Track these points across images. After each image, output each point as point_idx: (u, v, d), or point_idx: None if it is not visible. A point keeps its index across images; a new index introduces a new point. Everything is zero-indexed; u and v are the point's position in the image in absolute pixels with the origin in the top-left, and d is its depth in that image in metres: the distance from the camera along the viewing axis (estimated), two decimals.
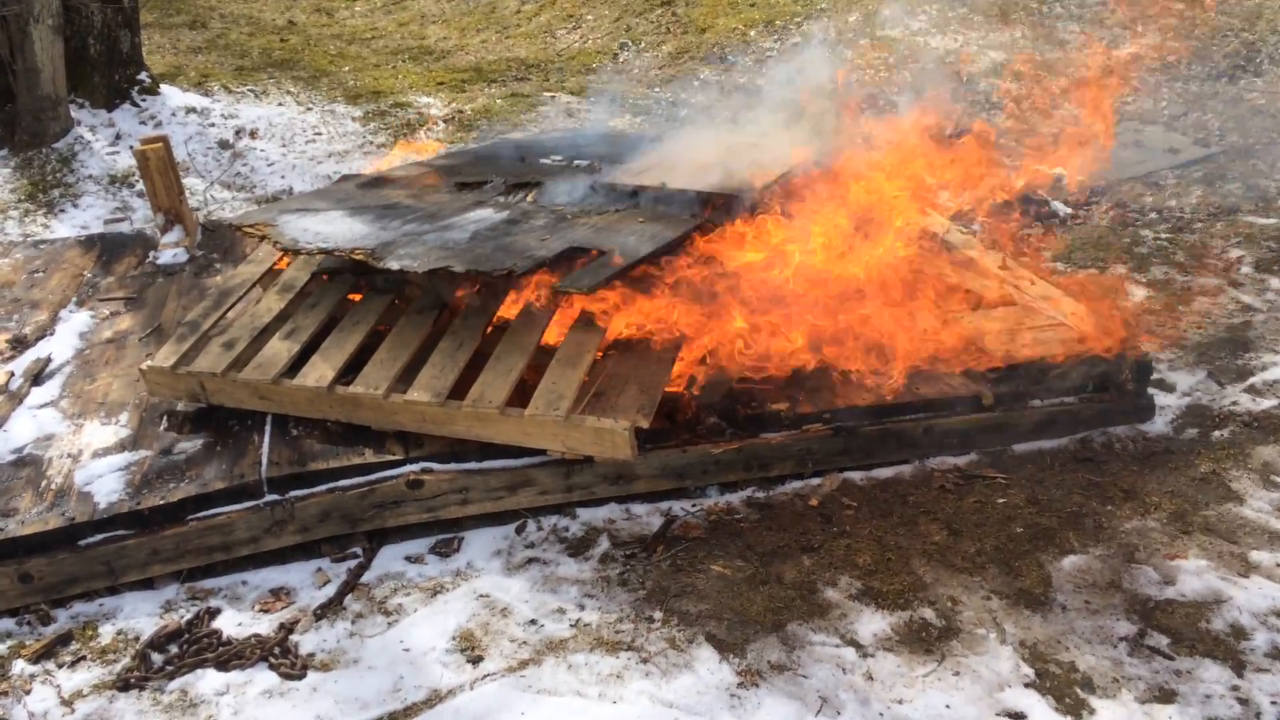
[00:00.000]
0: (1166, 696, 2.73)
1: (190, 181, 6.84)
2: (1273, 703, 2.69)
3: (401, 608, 3.15)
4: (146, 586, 3.28)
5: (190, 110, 7.99)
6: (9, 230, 6.23)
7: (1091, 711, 2.69)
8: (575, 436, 3.30)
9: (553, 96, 8.69)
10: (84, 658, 3.01)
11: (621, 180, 4.25)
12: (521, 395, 3.40)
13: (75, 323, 4.59)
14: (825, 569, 3.24)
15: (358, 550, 3.40)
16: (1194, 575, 3.14)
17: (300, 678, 2.88)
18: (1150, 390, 3.95)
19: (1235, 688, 2.75)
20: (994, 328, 3.98)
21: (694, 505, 3.56)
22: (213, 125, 7.87)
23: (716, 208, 3.94)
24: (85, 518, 3.23)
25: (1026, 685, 2.78)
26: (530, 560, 3.33)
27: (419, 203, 4.29)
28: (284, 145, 7.68)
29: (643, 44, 9.95)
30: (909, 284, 4.00)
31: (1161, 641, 2.91)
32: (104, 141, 7.37)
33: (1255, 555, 3.23)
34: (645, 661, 2.89)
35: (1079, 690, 2.76)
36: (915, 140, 4.08)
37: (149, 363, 3.73)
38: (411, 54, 10.16)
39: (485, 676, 2.85)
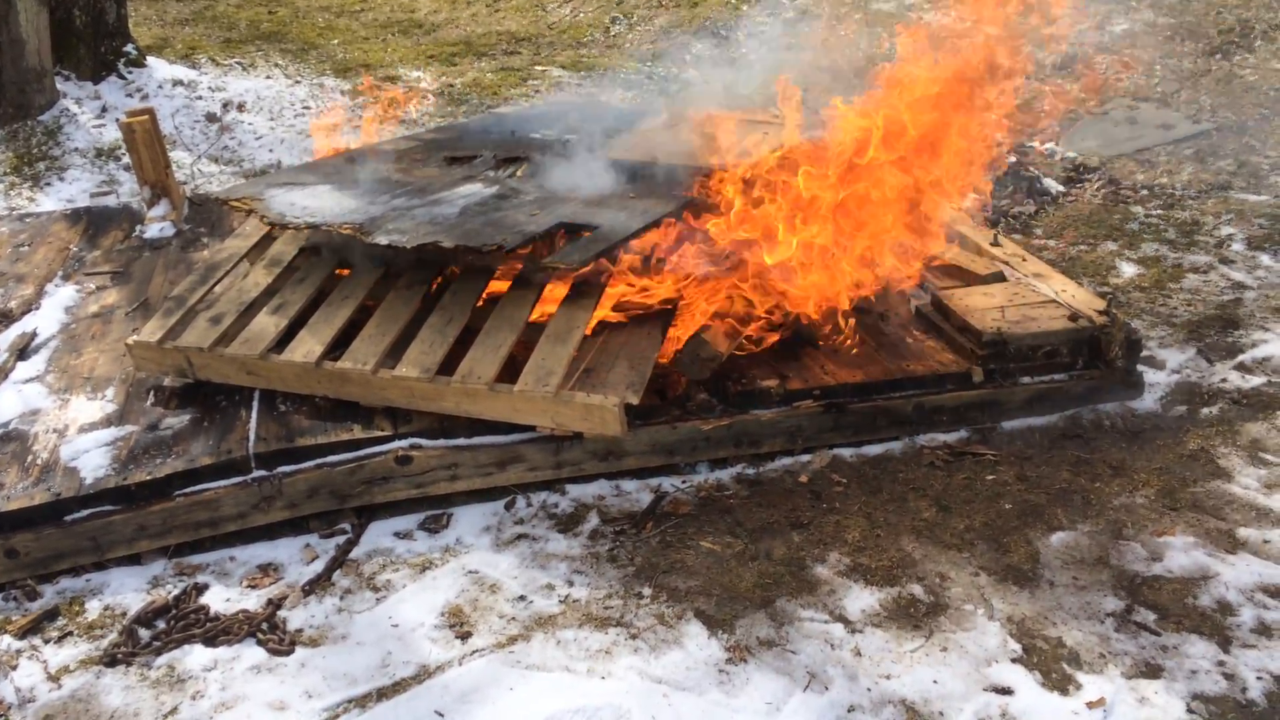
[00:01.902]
0: (1153, 672, 2.74)
1: (177, 155, 6.79)
2: (1258, 678, 2.71)
3: (390, 584, 3.14)
4: (133, 562, 3.27)
5: (177, 83, 7.92)
6: None
7: (1078, 686, 2.70)
8: (565, 413, 3.29)
9: (543, 71, 8.63)
10: (71, 633, 3.00)
11: (612, 155, 4.22)
12: (511, 371, 3.38)
13: (61, 297, 4.56)
14: (814, 545, 3.24)
15: (346, 526, 3.39)
16: (1181, 551, 3.15)
17: (288, 653, 2.88)
18: (1140, 367, 3.95)
19: (1221, 663, 2.76)
20: (985, 304, 3.97)
21: (684, 482, 3.56)
22: (200, 98, 7.80)
23: (707, 182, 3.91)
24: (71, 493, 3.22)
25: (1014, 660, 2.79)
26: (519, 536, 3.33)
27: (408, 177, 4.26)
28: (272, 119, 7.61)
29: (634, 17, 9.88)
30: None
31: (1148, 617, 2.92)
32: (90, 114, 7.30)
33: (1243, 532, 3.24)
34: (634, 637, 2.89)
35: (1066, 665, 2.77)
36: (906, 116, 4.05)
37: (135, 337, 3.71)
38: (401, 27, 10.07)
39: (474, 652, 2.85)
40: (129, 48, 7.88)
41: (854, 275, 3.81)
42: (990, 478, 3.54)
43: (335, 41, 9.50)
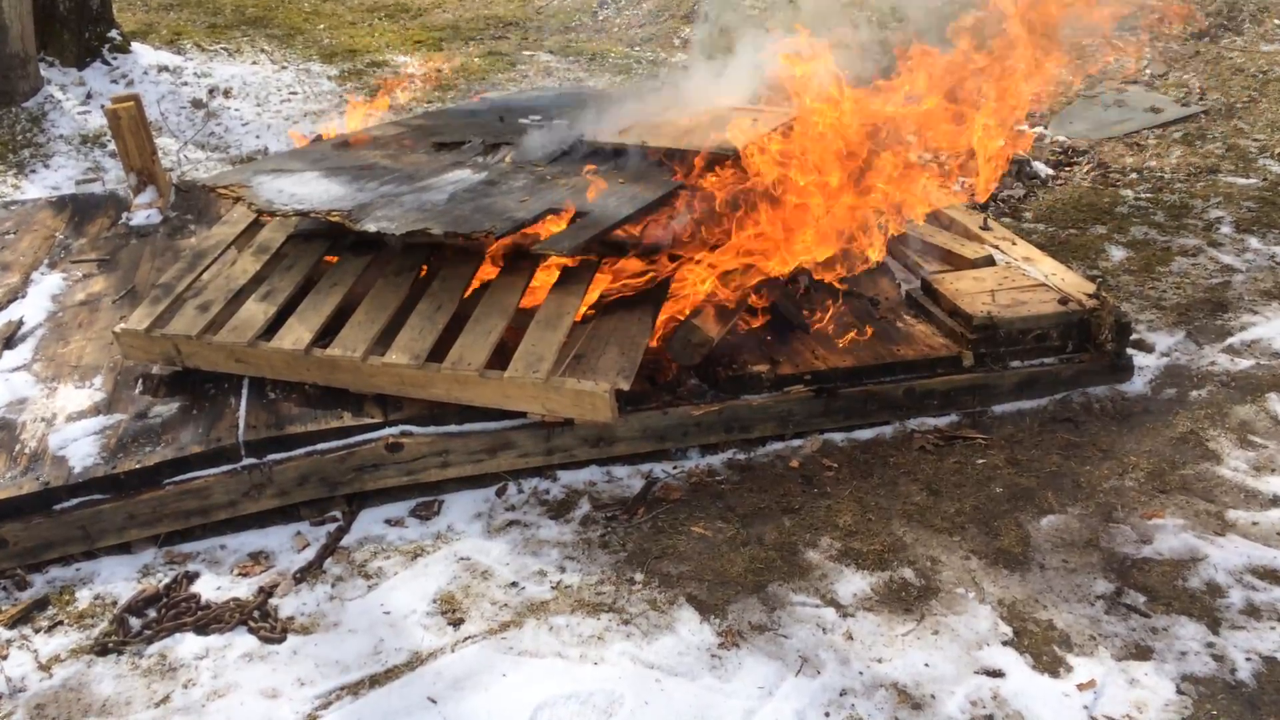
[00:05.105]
0: (1143, 654, 2.76)
1: (163, 141, 6.74)
2: (1247, 659, 2.72)
3: (382, 571, 3.14)
4: (124, 551, 3.26)
5: (162, 69, 7.86)
6: None
7: (1069, 669, 2.72)
8: (555, 399, 3.28)
9: (532, 55, 8.59)
10: (61, 622, 2.99)
11: (602, 140, 4.21)
12: (501, 357, 3.37)
13: (47, 285, 4.53)
14: (806, 530, 3.24)
15: (337, 514, 3.38)
16: (1171, 534, 3.17)
17: (280, 641, 2.87)
18: (1129, 350, 3.96)
19: (1210, 644, 2.78)
20: (975, 288, 3.97)
21: (675, 467, 3.56)
22: (185, 84, 7.74)
23: (698, 167, 3.90)
24: (60, 482, 3.20)
25: (1005, 643, 2.80)
26: (511, 523, 3.32)
27: (396, 164, 4.24)
28: (259, 104, 7.56)
29: (623, 1, 9.84)
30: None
31: (1138, 599, 2.94)
32: (75, 101, 7.24)
33: (1232, 514, 3.26)
34: (626, 623, 2.89)
35: (1056, 648, 2.78)
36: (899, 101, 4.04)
37: (123, 325, 3.69)
38: (388, 11, 10.00)
39: (466, 639, 2.85)
40: (113, 33, 7.81)
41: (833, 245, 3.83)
42: (981, 461, 3.55)
43: (321, 26, 9.43)
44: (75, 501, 3.20)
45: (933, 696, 2.65)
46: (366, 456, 3.36)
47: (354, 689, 2.72)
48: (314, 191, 3.91)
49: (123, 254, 4.84)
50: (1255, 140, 6.17)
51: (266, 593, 3.04)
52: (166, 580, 3.12)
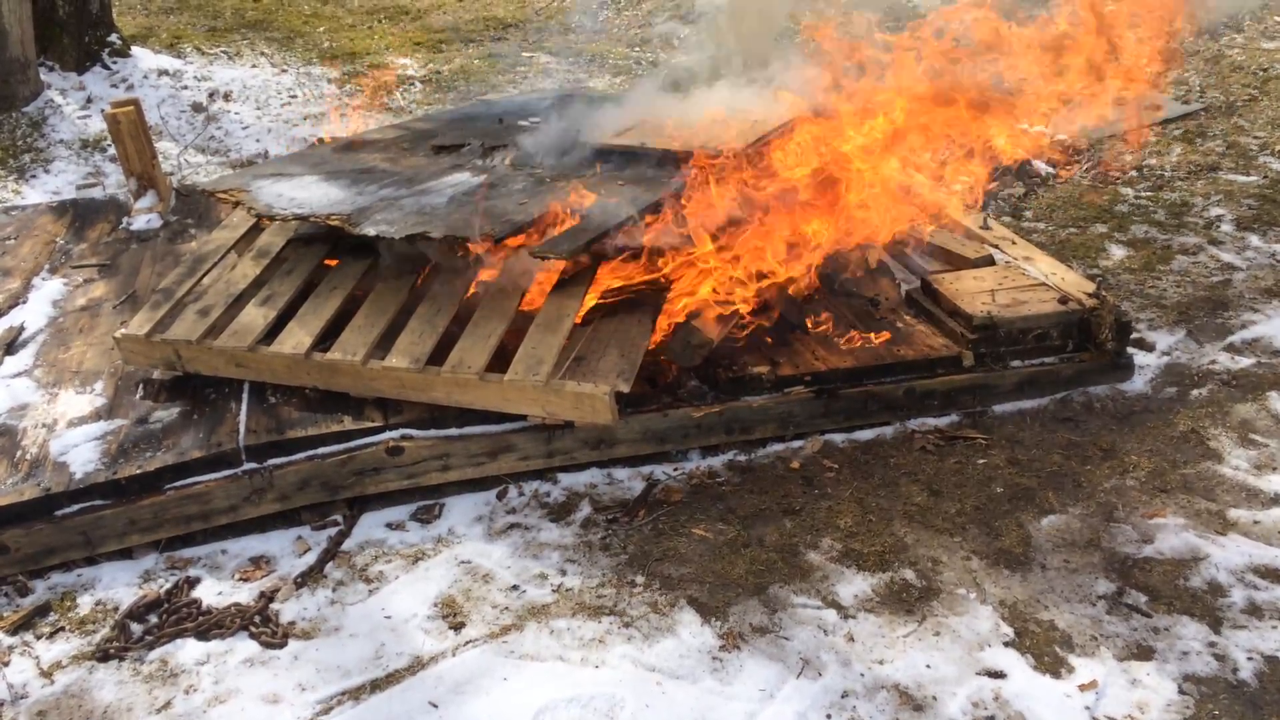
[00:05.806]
0: (1145, 654, 2.76)
1: (164, 145, 6.74)
2: (1249, 658, 2.72)
3: (383, 575, 3.14)
4: (125, 556, 3.26)
5: (162, 73, 7.86)
6: None
7: (1070, 669, 2.71)
8: (555, 401, 3.28)
9: (531, 57, 8.59)
10: (62, 629, 2.99)
11: (601, 141, 4.21)
12: (501, 360, 3.37)
13: (48, 290, 4.54)
14: (807, 531, 3.24)
15: (338, 518, 3.38)
16: (1172, 533, 3.16)
17: (281, 646, 2.87)
18: (1129, 349, 3.96)
19: (1212, 644, 2.77)
20: (975, 287, 3.97)
21: (675, 469, 3.56)
22: (185, 88, 7.74)
23: (698, 168, 3.89)
24: (61, 488, 3.20)
25: (1006, 644, 2.80)
26: (512, 526, 3.32)
27: (395, 167, 4.24)
28: (259, 108, 7.57)
29: (622, 2, 9.84)
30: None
31: (1140, 599, 2.94)
32: (75, 105, 7.25)
33: (1233, 513, 3.25)
34: (627, 626, 2.89)
35: (1058, 649, 2.78)
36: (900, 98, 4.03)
37: (123, 330, 3.69)
38: (388, 13, 10.01)
39: (467, 643, 2.85)
40: (113, 37, 7.82)
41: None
42: (981, 461, 3.54)
43: (321, 29, 9.44)
44: (76, 507, 3.20)
45: (934, 698, 2.64)
46: (367, 460, 3.36)
47: (355, 694, 2.72)
48: (313, 195, 3.91)
49: (123, 259, 4.85)
50: (1255, 138, 6.16)
51: (268, 597, 3.04)
52: (168, 586, 3.13)
